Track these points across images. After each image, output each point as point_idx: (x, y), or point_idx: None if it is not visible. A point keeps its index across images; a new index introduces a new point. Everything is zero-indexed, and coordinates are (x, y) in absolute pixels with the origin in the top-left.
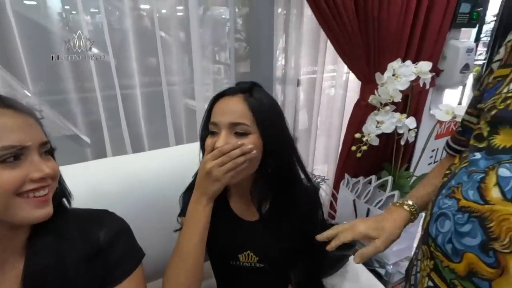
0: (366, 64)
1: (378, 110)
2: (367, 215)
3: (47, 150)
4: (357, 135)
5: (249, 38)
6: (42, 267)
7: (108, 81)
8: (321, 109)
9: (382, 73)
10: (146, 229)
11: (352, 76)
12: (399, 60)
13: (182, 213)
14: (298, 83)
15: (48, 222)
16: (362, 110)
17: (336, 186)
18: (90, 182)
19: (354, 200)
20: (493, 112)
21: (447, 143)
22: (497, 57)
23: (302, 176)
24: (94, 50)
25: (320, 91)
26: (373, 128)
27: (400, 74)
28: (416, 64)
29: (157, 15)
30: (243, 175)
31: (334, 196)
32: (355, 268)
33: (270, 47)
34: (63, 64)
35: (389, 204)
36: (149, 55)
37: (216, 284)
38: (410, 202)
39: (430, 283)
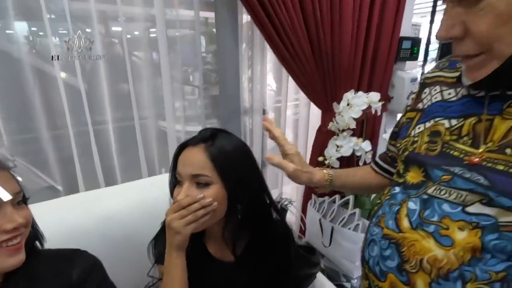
0: (324, 95)
1: (337, 135)
2: (331, 233)
3: (21, 200)
4: (320, 158)
5: (217, 69)
6: None
7: (80, 117)
8: (287, 135)
9: (339, 102)
10: (120, 264)
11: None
12: (352, 91)
13: (159, 260)
14: (264, 112)
15: (21, 267)
16: (323, 136)
17: (304, 207)
18: (63, 219)
19: (320, 219)
20: (405, 154)
21: (373, 161)
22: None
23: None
24: (62, 74)
25: (285, 119)
26: (334, 152)
27: (354, 104)
28: (368, 94)
29: (128, 36)
30: (206, 225)
31: (303, 216)
32: (322, 284)
33: (237, 79)
34: (35, 101)
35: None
36: (120, 81)
37: None
38: (331, 172)
39: None
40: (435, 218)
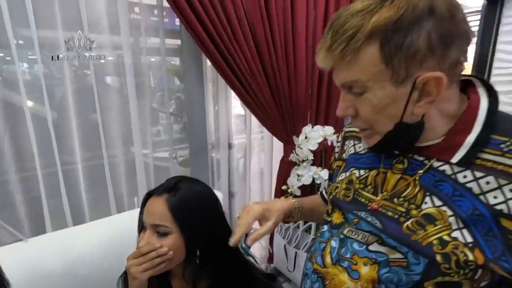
0: (284, 130)
1: (298, 165)
2: (295, 258)
3: None
4: (284, 187)
5: (184, 106)
6: None
7: (49, 159)
8: (253, 165)
9: (298, 136)
10: None
11: None
12: (310, 125)
13: None
14: (230, 146)
15: None
16: (286, 166)
17: (272, 234)
18: (30, 261)
19: (284, 245)
20: (330, 197)
21: (321, 192)
22: (336, 150)
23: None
24: (29, 103)
25: (250, 151)
26: (295, 181)
27: (311, 137)
28: (323, 128)
29: (102, 61)
30: (163, 270)
31: (272, 242)
32: None
33: (202, 116)
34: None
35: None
36: (88, 110)
37: None
38: (296, 202)
39: None
40: (348, 255)
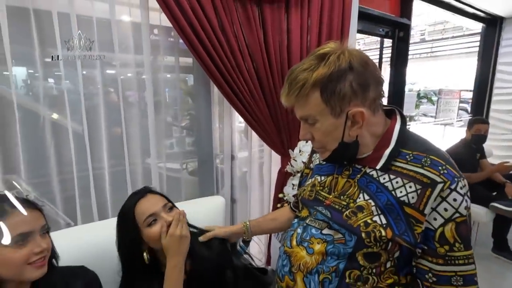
0: (281, 144)
1: (294, 175)
2: None
3: (45, 230)
4: (280, 195)
5: (193, 122)
6: None
7: (83, 164)
8: (253, 175)
9: (293, 150)
10: (110, 276)
11: None
12: (303, 141)
13: None
14: (233, 158)
15: (42, 278)
16: (282, 176)
17: (270, 239)
18: (73, 244)
19: (280, 248)
20: (300, 197)
21: (291, 204)
22: (306, 160)
23: None
24: (68, 118)
25: (250, 162)
26: (290, 190)
27: (304, 151)
28: None
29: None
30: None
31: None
32: None
33: (209, 131)
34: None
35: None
36: (114, 124)
37: None
38: (247, 222)
39: None
40: (308, 238)
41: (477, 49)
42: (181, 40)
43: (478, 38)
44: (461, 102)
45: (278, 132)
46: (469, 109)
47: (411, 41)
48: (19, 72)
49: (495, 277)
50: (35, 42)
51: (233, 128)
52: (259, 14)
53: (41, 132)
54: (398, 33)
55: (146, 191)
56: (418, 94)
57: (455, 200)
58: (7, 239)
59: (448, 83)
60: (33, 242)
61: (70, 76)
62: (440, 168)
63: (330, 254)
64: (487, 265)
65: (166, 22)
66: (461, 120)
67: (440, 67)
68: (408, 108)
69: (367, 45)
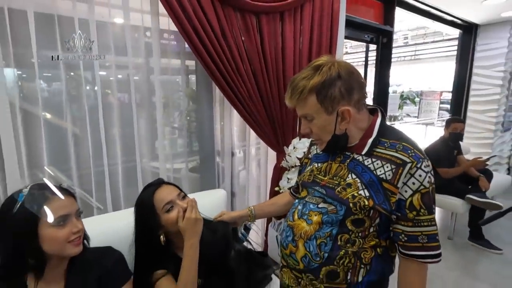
0: (276, 142)
1: (288, 170)
2: None
3: (79, 214)
4: (276, 188)
5: (197, 121)
6: (76, 283)
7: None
8: (251, 170)
9: (288, 146)
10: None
11: None
12: (297, 138)
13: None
14: (233, 154)
15: (78, 255)
16: (278, 171)
17: (267, 228)
18: (101, 228)
19: (276, 236)
20: (300, 182)
21: (291, 189)
22: (305, 151)
23: None
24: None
25: (249, 158)
26: (285, 183)
27: (298, 148)
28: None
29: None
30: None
31: (266, 236)
32: (276, 284)
33: (211, 129)
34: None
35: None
36: (127, 125)
37: None
38: (252, 207)
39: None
40: (307, 212)
41: (455, 53)
42: (186, 45)
43: (456, 42)
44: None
45: (274, 130)
46: None
47: (395, 45)
48: (42, 75)
49: (469, 263)
50: (58, 45)
51: (232, 127)
52: (257, 22)
53: (62, 131)
54: (382, 39)
55: (160, 182)
56: (402, 96)
57: (420, 176)
58: (51, 220)
59: (431, 85)
60: (71, 223)
61: (89, 78)
62: (409, 151)
63: (325, 223)
64: (463, 253)
65: (173, 27)
66: (442, 120)
67: (423, 69)
68: (392, 109)
69: (354, 48)
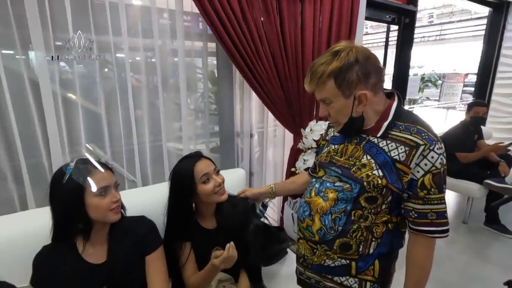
0: (293, 124)
1: (305, 152)
2: None
3: (117, 186)
4: (293, 169)
5: (217, 104)
6: (117, 246)
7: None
8: (269, 152)
9: (305, 129)
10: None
11: None
12: (314, 121)
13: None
14: (251, 135)
15: (117, 222)
16: (295, 152)
17: (283, 206)
18: (135, 200)
19: (292, 214)
20: (318, 162)
21: (309, 170)
22: (323, 133)
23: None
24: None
25: (266, 140)
26: (302, 164)
27: (315, 130)
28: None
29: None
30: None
31: (282, 213)
32: (292, 259)
33: (231, 111)
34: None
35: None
36: (154, 106)
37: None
38: (273, 185)
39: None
40: (323, 189)
41: (483, 32)
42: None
43: (485, 21)
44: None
45: (291, 112)
46: None
47: (418, 24)
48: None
49: (482, 247)
50: (92, 29)
51: (251, 109)
52: (277, 4)
53: (97, 113)
54: (404, 19)
55: (199, 155)
56: (423, 78)
57: (432, 157)
58: (94, 190)
59: (456, 67)
60: (111, 194)
61: (119, 62)
62: (423, 134)
63: (340, 199)
64: (477, 237)
65: (196, 9)
66: (465, 104)
67: (448, 50)
68: (412, 92)
69: (374, 28)
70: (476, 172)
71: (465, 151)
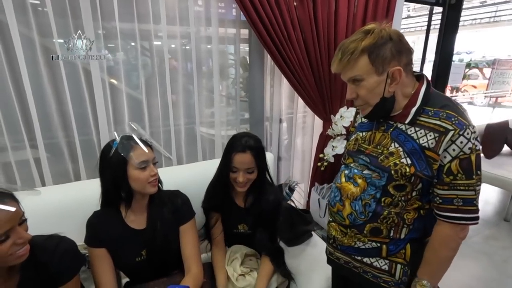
0: (323, 110)
1: (334, 138)
2: (326, 208)
3: (155, 162)
4: (321, 155)
5: (248, 90)
6: (155, 215)
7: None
8: (297, 139)
9: (335, 115)
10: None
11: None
12: (345, 107)
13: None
14: (281, 121)
15: (155, 194)
16: (323, 139)
17: (310, 191)
18: (171, 176)
19: (318, 199)
20: (346, 150)
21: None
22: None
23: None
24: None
25: (295, 126)
26: (331, 151)
27: (345, 116)
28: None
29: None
30: None
31: (309, 198)
32: (316, 242)
33: (261, 97)
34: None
35: None
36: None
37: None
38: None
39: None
40: (352, 176)
41: None
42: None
43: None
44: None
45: (322, 98)
46: None
47: (469, 5)
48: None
49: None
50: (135, 18)
51: (281, 94)
52: None
53: (138, 96)
54: (449, 0)
55: (246, 146)
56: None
57: (461, 142)
58: (135, 163)
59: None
60: (150, 168)
61: (159, 52)
62: (453, 119)
63: (370, 186)
64: None
65: None
66: None
67: (504, 34)
68: (454, 79)
69: (416, 11)
70: None
71: None
